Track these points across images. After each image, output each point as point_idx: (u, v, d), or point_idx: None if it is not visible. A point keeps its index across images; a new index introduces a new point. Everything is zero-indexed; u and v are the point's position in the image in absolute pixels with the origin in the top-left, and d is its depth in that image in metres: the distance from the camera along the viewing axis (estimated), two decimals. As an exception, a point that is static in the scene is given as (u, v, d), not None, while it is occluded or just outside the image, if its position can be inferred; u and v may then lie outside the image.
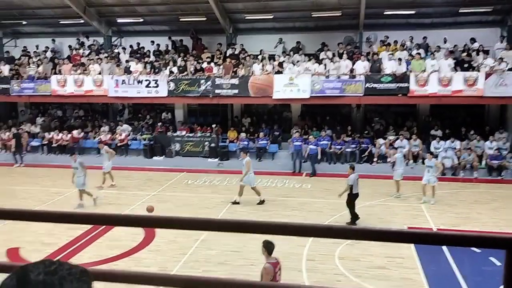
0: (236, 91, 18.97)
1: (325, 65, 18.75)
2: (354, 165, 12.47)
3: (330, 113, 21.05)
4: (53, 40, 24.09)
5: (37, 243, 10.43)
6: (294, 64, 19.01)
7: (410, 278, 8.75)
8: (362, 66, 18.29)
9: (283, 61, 19.34)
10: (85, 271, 1.06)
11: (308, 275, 8.83)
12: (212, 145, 19.70)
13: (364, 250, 9.71)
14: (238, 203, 13.57)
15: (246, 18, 21.41)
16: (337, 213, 12.56)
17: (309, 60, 18.96)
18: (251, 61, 19.53)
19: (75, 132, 20.88)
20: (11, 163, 19.98)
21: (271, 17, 21.02)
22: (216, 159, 19.34)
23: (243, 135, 19.85)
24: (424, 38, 19.77)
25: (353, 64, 18.61)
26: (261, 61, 19.19)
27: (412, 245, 9.86)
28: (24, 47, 23.93)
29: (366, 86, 17.91)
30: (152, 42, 22.63)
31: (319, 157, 17.70)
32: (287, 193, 15.01)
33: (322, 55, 19.74)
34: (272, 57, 19.82)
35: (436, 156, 17.65)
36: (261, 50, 20.21)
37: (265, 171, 17.90)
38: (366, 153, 18.54)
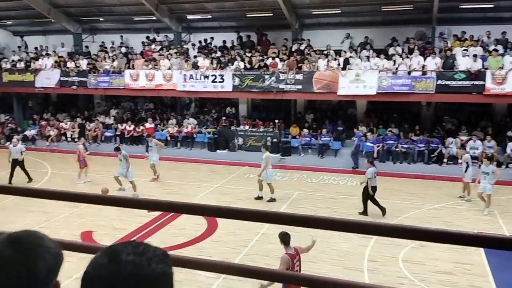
0: (300, 86, 18.88)
1: (394, 61, 18.15)
2: (373, 160, 13.07)
3: (397, 111, 20.35)
4: (121, 36, 25.37)
5: (109, 228, 11.07)
6: (361, 60, 18.56)
7: (480, 286, 8.30)
8: (433, 63, 17.52)
9: (350, 57, 18.96)
10: (167, 254, 1.11)
11: (369, 275, 8.65)
12: (274, 140, 19.79)
13: (429, 254, 9.35)
14: (261, 197, 13.73)
15: (313, 13, 21.18)
16: (402, 215, 12.19)
17: (378, 56, 18.42)
18: (316, 57, 19.33)
19: (147, 124, 21.87)
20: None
21: (339, 11, 20.63)
22: (278, 154, 19.40)
23: (305, 131, 19.77)
24: (503, 33, 18.51)
25: (424, 60, 17.87)
26: (326, 56, 18.94)
27: (482, 251, 9.36)
28: (102, 42, 25.40)
29: (437, 83, 17.12)
30: (212, 38, 23.14)
31: (375, 155, 17.15)
32: (349, 192, 14.74)
33: (391, 51, 19.11)
34: (338, 53, 19.50)
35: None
36: (327, 46, 19.96)
37: (327, 168, 17.77)
38: (436, 153, 17.75)
